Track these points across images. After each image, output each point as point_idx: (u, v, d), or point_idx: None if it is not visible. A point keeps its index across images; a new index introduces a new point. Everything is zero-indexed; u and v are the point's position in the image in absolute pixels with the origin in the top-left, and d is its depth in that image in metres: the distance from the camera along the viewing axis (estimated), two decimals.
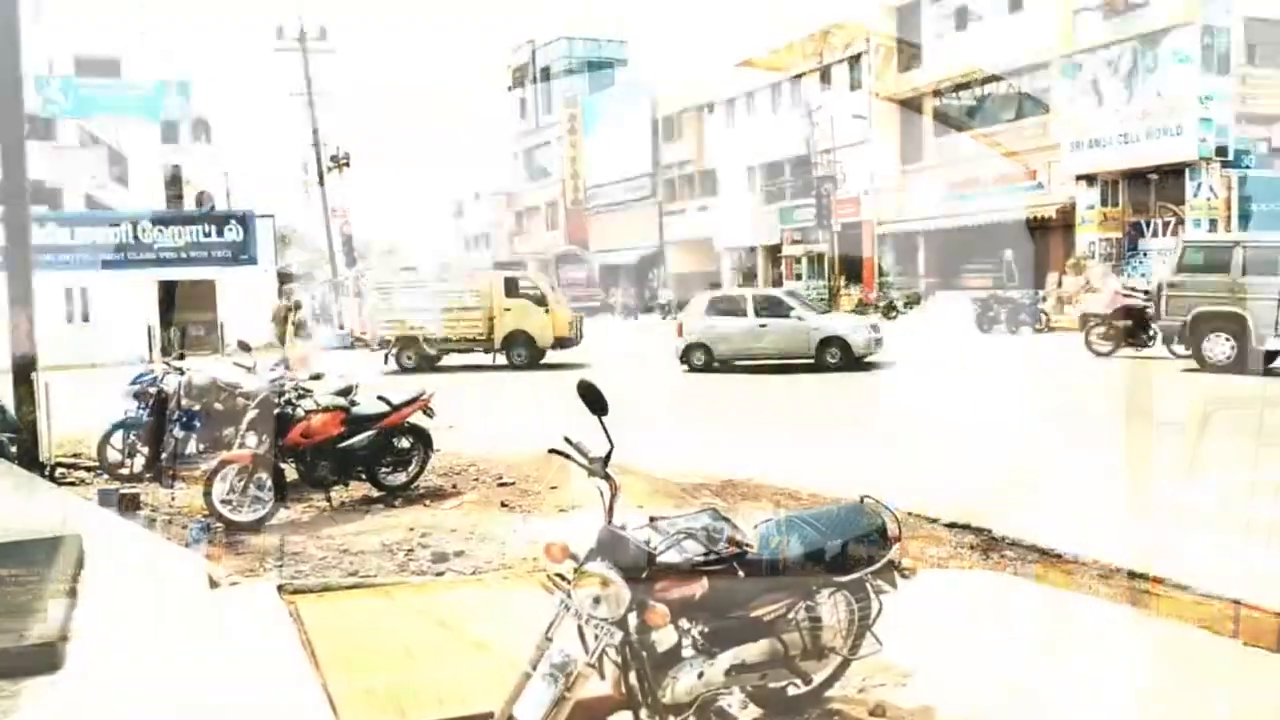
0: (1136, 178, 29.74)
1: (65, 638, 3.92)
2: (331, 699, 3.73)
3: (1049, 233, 31.48)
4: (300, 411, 7.94)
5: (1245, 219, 27.97)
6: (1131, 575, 5.67)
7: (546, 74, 60.72)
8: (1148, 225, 30.30)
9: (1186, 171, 27.38)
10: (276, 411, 7.89)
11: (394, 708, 3.86)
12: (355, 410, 8.36)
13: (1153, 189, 29.91)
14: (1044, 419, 10.70)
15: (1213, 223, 27.35)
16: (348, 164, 38.04)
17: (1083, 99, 29.61)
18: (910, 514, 6.56)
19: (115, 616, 4.26)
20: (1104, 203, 30.14)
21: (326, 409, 8.07)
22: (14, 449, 8.86)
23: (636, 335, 31.08)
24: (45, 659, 3.65)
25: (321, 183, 39.75)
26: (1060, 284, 29.85)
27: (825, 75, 39.46)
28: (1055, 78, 30.84)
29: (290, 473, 7.98)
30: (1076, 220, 30.41)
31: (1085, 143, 29.57)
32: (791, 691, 3.86)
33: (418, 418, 8.74)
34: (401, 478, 8.56)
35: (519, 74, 63.78)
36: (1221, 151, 27.08)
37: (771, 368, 17.79)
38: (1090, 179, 29.88)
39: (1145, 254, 29.66)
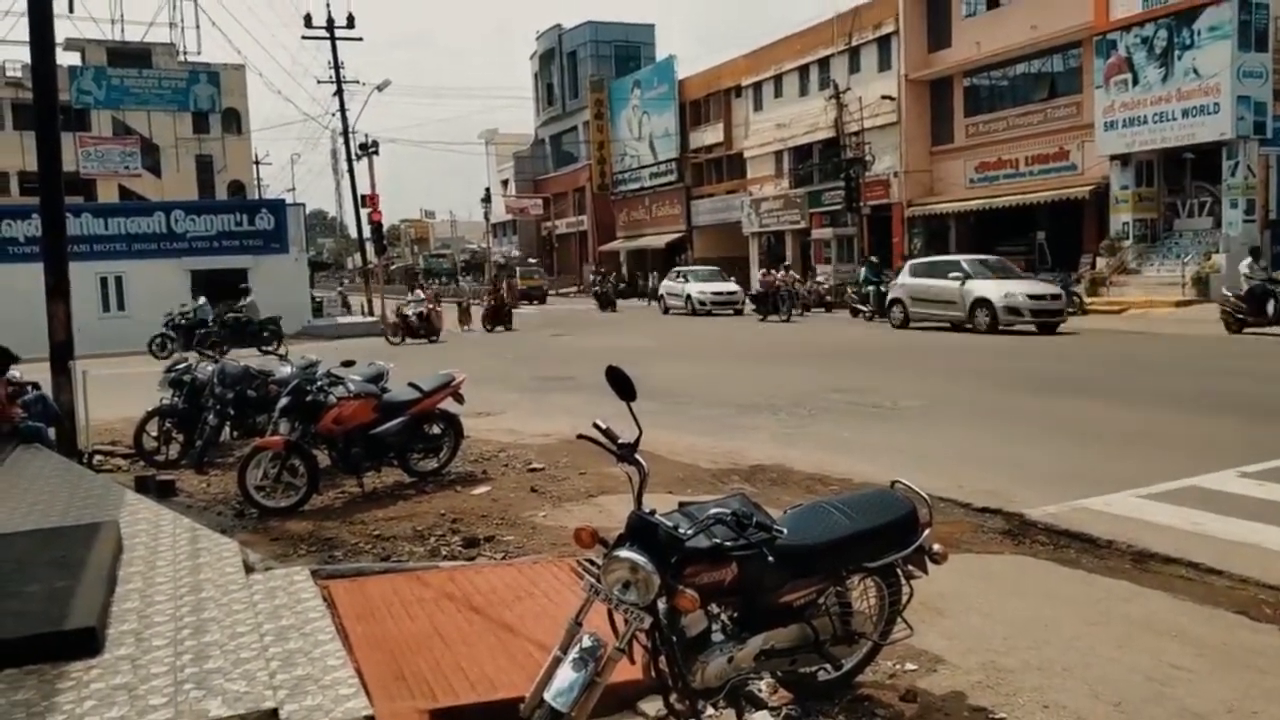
0: (1172, 157, 29.27)
1: (104, 623, 3.99)
2: (364, 681, 3.77)
3: (1082, 214, 31.08)
4: (333, 398, 8.02)
5: None
6: (1167, 560, 5.61)
7: (573, 59, 60.60)
8: (1183, 206, 29.84)
9: (1223, 150, 26.90)
10: (309, 398, 7.97)
11: (425, 691, 3.91)
12: (387, 397, 8.43)
13: (1189, 169, 29.44)
14: None
15: (1250, 203, 26.89)
16: (376, 152, 38.18)
17: (1117, 77, 29.13)
18: (941, 499, 6.53)
19: (153, 601, 4.33)
20: (1139, 183, 29.68)
21: (359, 396, 8.14)
22: (54, 436, 9.01)
23: None
24: (84, 644, 3.71)
25: (351, 171, 39.99)
26: (1094, 266, 29.50)
27: (854, 56, 39.08)
28: (1089, 56, 30.37)
29: (323, 459, 8.06)
30: (1110, 201, 29.98)
31: (1119, 122, 29.11)
32: (822, 676, 3.86)
33: (448, 404, 8.79)
34: (433, 463, 8.63)
35: (546, 59, 63.74)
36: (1259, 130, 26.56)
37: None
38: (1125, 159, 29.42)
39: (1180, 235, 29.23)
